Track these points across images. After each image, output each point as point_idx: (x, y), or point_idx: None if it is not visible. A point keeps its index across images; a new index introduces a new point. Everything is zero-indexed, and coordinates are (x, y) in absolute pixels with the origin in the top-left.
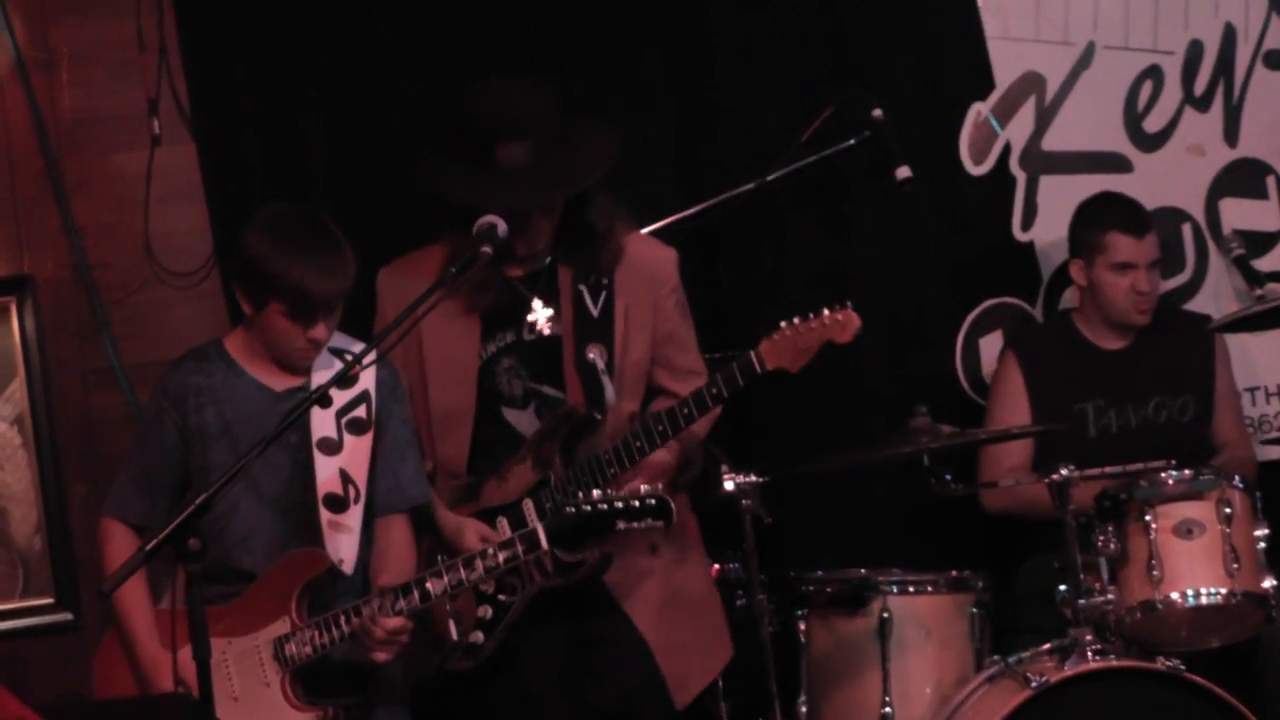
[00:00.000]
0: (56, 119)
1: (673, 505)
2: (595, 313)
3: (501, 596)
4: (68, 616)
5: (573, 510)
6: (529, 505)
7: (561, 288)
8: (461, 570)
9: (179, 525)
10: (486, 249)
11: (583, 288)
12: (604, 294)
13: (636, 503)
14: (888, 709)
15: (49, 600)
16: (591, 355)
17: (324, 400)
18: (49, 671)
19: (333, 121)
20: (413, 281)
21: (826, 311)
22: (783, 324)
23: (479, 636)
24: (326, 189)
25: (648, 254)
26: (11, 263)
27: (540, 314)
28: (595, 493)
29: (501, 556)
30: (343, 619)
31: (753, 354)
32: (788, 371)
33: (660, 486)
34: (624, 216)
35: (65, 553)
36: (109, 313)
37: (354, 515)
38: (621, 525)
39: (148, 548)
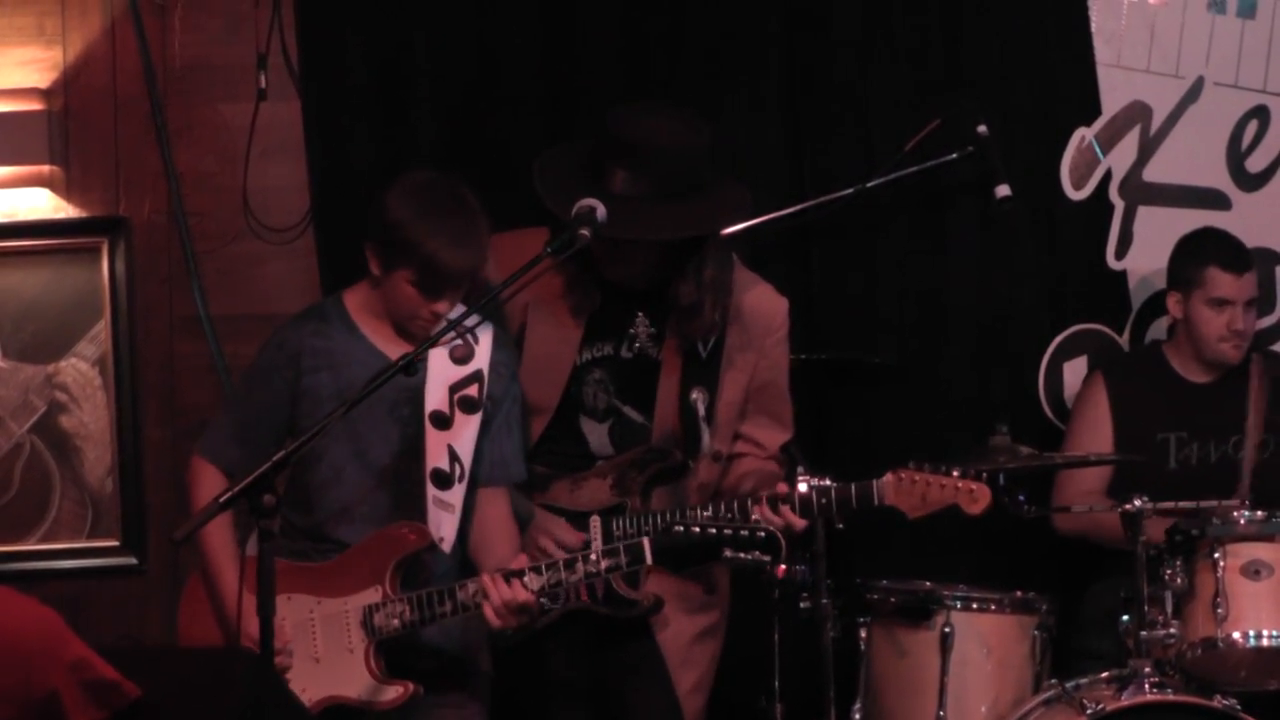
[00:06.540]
0: (166, 64)
1: (783, 542)
2: (704, 354)
3: (543, 600)
4: (132, 560)
5: (682, 529)
6: (596, 522)
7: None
8: (562, 571)
9: (255, 480)
10: (584, 232)
11: None
12: (714, 338)
13: (746, 532)
14: None
15: (115, 543)
16: (694, 397)
17: (409, 369)
18: (108, 614)
19: (441, 97)
20: (524, 257)
21: (956, 473)
22: (912, 465)
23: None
24: (429, 162)
25: (759, 303)
26: (108, 204)
27: (642, 328)
28: (704, 514)
29: (604, 564)
30: (435, 599)
31: (875, 484)
32: (903, 514)
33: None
34: (739, 265)
35: (135, 496)
36: (200, 262)
37: (457, 494)
38: (728, 553)
39: (222, 499)
